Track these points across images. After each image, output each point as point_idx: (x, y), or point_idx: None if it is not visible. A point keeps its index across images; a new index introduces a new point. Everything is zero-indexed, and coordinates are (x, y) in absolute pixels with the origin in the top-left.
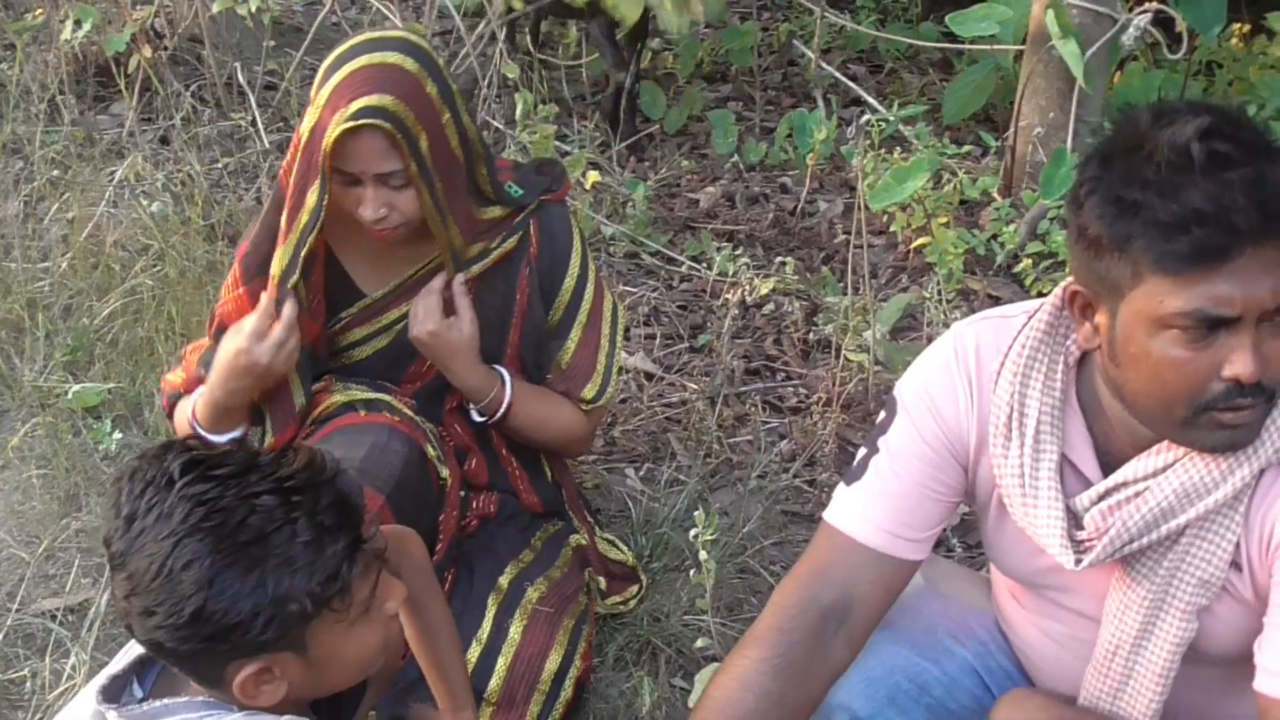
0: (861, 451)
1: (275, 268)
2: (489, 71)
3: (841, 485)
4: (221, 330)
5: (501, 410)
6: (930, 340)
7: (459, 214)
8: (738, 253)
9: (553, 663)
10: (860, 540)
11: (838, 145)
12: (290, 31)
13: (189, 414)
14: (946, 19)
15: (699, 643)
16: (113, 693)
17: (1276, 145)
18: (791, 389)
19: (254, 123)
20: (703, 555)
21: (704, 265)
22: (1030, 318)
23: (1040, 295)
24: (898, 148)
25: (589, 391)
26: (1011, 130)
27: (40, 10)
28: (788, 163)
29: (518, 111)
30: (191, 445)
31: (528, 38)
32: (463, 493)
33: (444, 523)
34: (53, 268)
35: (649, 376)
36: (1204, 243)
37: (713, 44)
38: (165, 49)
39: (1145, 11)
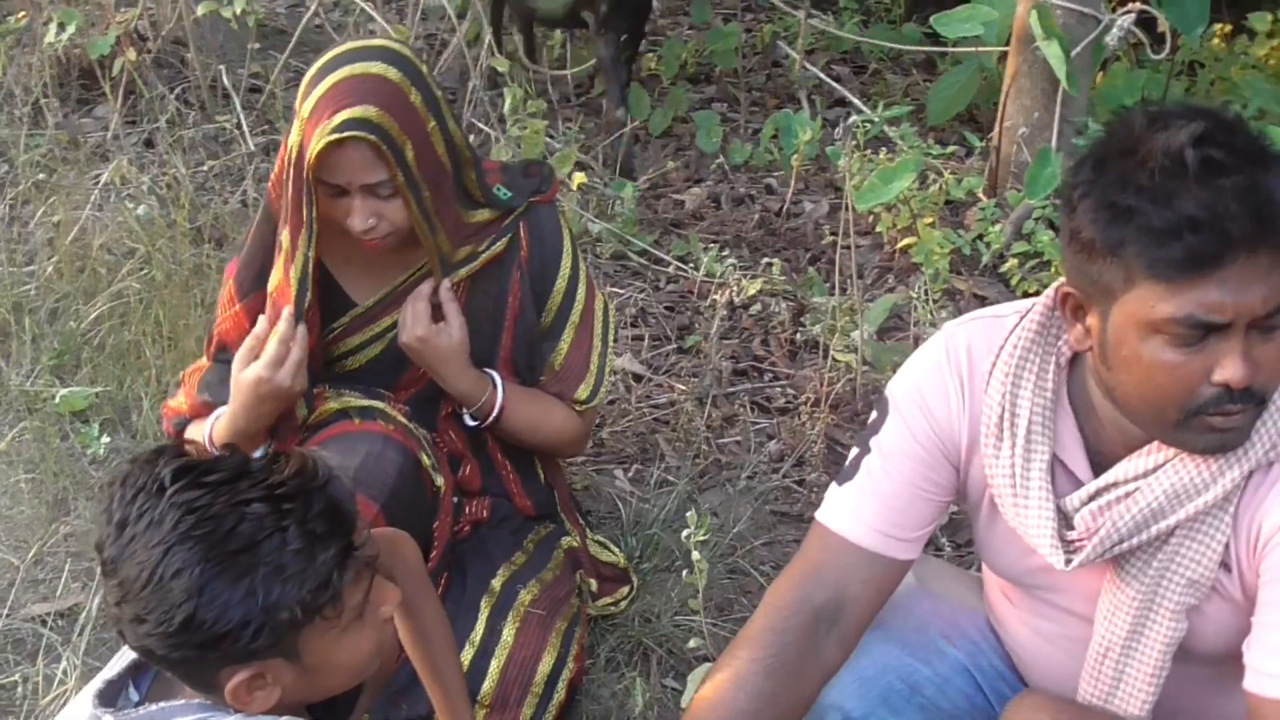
0: (853, 451)
1: (290, 292)
2: (473, 74)
3: (833, 485)
4: (222, 350)
5: (494, 414)
6: (917, 340)
7: (447, 220)
8: (724, 254)
9: (546, 665)
10: (852, 540)
11: (823, 146)
12: (274, 34)
13: (206, 440)
14: (931, 20)
15: (691, 643)
16: (109, 696)
17: (1270, 151)
18: (779, 389)
19: (239, 125)
20: (695, 556)
21: (691, 266)
22: (1022, 318)
23: (1026, 295)
24: (883, 148)
25: (582, 392)
26: (996, 130)
27: (23, 13)
28: (773, 164)
29: (506, 106)
30: (183, 450)
31: (515, 41)
32: (456, 499)
33: (438, 530)
34: (38, 271)
35: (637, 378)
36: (1197, 250)
37: (696, 45)
38: (149, 52)
39: (1129, 12)
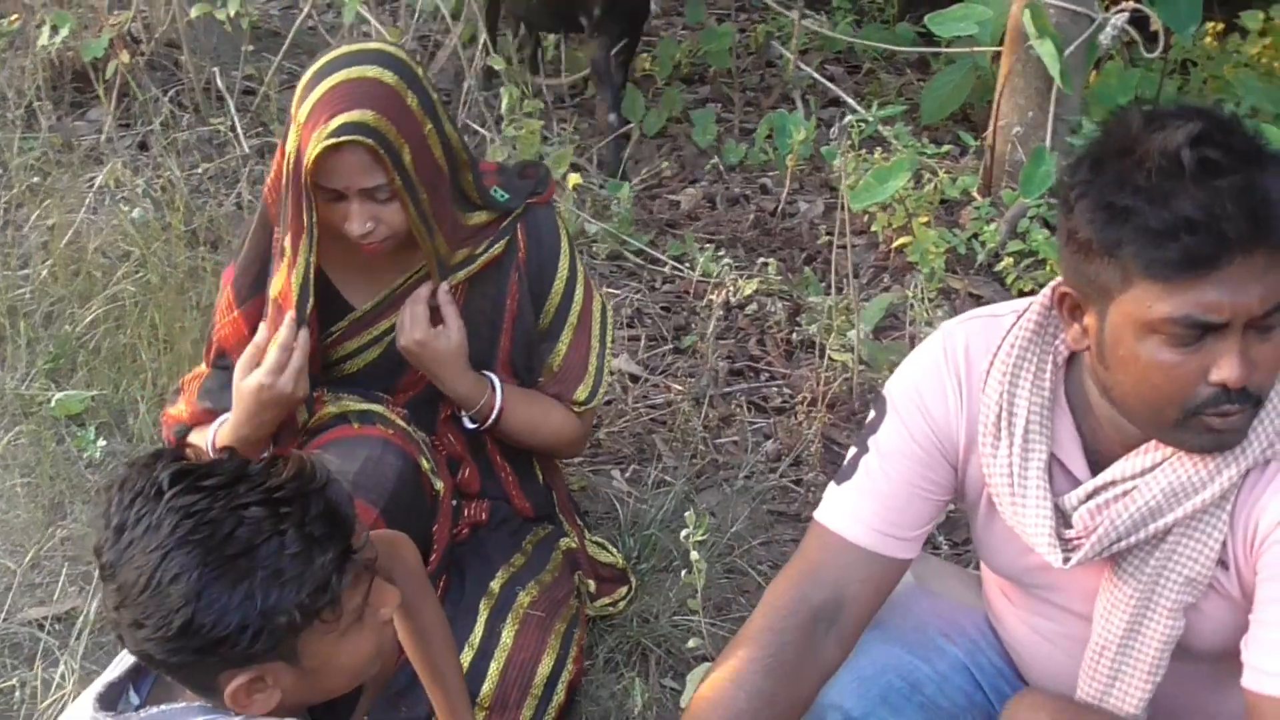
0: (852, 451)
1: (292, 298)
2: (468, 74)
3: (832, 485)
4: (221, 356)
5: (493, 416)
6: (913, 339)
7: (444, 223)
8: (720, 254)
9: (545, 667)
10: (851, 539)
11: (817, 146)
12: (267, 36)
13: (209, 448)
14: (925, 19)
15: (690, 643)
16: (109, 700)
17: (1267, 152)
18: (775, 389)
19: (233, 128)
20: (694, 555)
21: (687, 266)
22: (1019, 317)
23: (1021, 293)
24: (878, 148)
25: (581, 393)
26: (990, 129)
27: (16, 16)
28: (767, 164)
29: (503, 106)
30: (181, 454)
31: (512, 47)
32: (454, 502)
33: (437, 533)
34: (33, 275)
35: (634, 378)
36: (1194, 251)
37: (690, 46)
38: (142, 54)
39: (1122, 11)
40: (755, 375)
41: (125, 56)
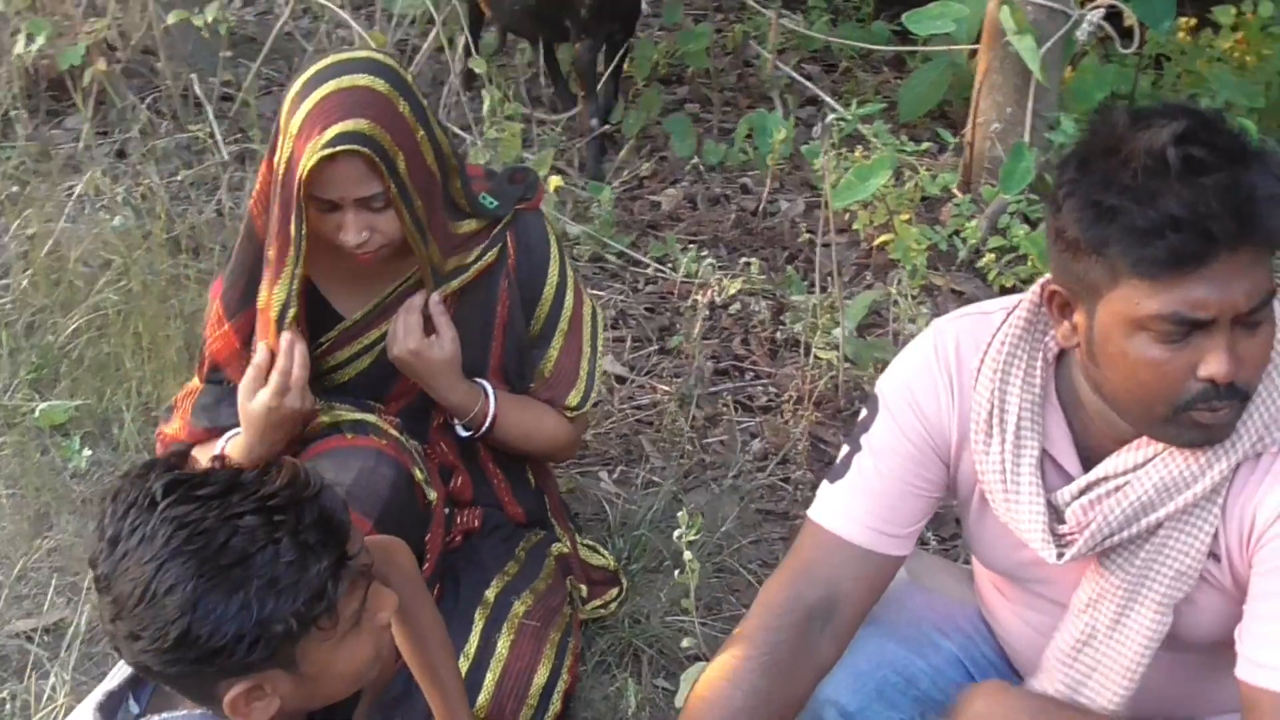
0: (844, 449)
1: (273, 309)
2: (453, 73)
3: (825, 483)
4: (214, 370)
5: (487, 424)
6: (897, 336)
7: (438, 230)
8: (702, 254)
9: (540, 677)
10: (844, 537)
11: (796, 145)
12: (244, 42)
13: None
14: (903, 18)
15: (684, 642)
16: (109, 709)
17: (1251, 149)
18: (761, 388)
19: (212, 134)
20: (687, 555)
21: (669, 267)
22: (1009, 314)
23: (1003, 289)
24: (858, 146)
25: (573, 398)
26: (969, 126)
27: None
28: (747, 163)
29: (485, 107)
30: (174, 464)
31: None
32: (447, 510)
33: (430, 542)
34: (14, 285)
35: (619, 379)
36: (1180, 249)
37: (668, 46)
38: (118, 62)
39: (1098, 7)
40: (740, 375)
41: (102, 64)
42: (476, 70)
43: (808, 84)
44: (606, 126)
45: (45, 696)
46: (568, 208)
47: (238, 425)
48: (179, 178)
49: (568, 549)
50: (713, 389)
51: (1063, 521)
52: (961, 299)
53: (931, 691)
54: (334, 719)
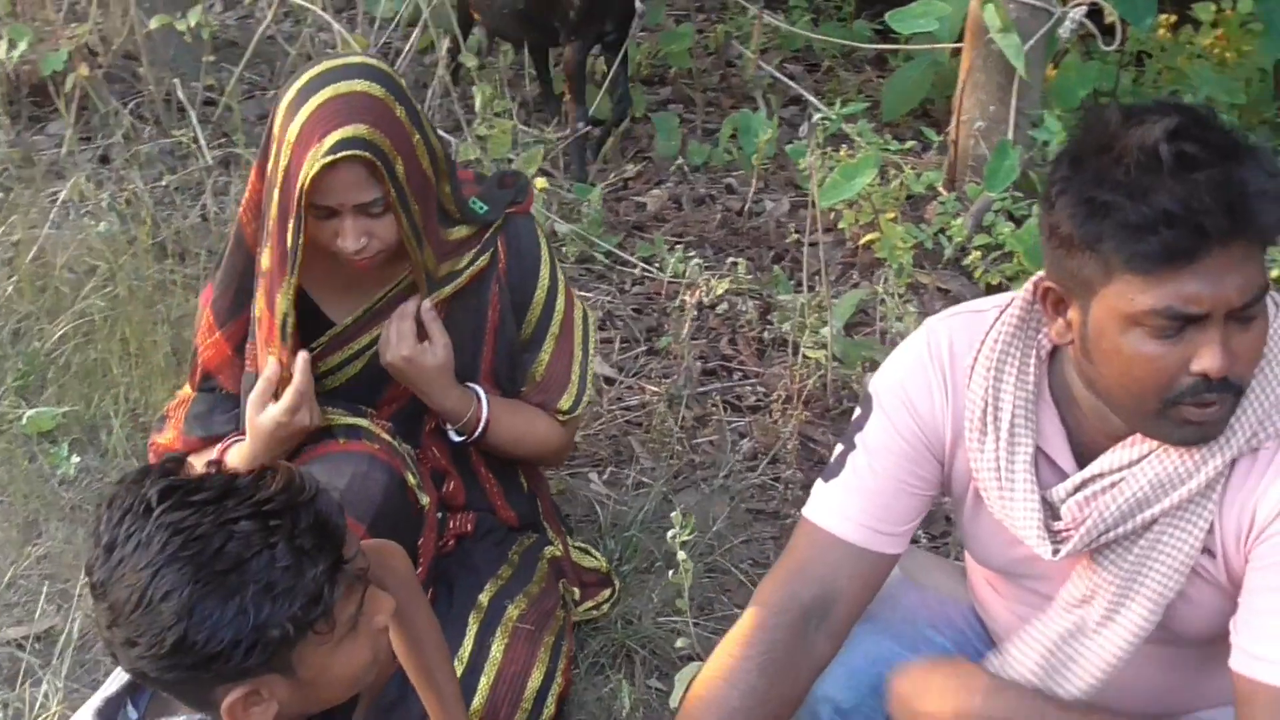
0: (839, 448)
1: (278, 318)
2: (443, 74)
3: (819, 482)
4: (207, 379)
5: (479, 429)
6: (884, 335)
7: (432, 236)
8: (689, 255)
9: (535, 681)
10: (839, 536)
11: (780, 145)
12: (225, 46)
13: None
14: (886, 16)
15: (678, 643)
16: (108, 715)
17: (1243, 145)
18: (749, 388)
19: (196, 139)
20: (681, 556)
21: (656, 267)
22: (1002, 312)
23: (989, 286)
24: (842, 145)
25: (565, 402)
26: (953, 125)
27: None
28: (731, 163)
29: (477, 104)
30: (169, 470)
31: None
32: (440, 514)
33: (423, 547)
34: None
35: (608, 380)
36: (1173, 244)
37: (650, 47)
38: (100, 67)
39: (1080, 4)
40: (728, 375)
41: (84, 70)
42: (467, 65)
43: (791, 83)
44: (588, 127)
45: (38, 704)
46: (553, 208)
47: (232, 433)
48: (163, 183)
49: (560, 552)
50: (701, 389)
51: (1058, 518)
52: (948, 297)
53: None
54: None
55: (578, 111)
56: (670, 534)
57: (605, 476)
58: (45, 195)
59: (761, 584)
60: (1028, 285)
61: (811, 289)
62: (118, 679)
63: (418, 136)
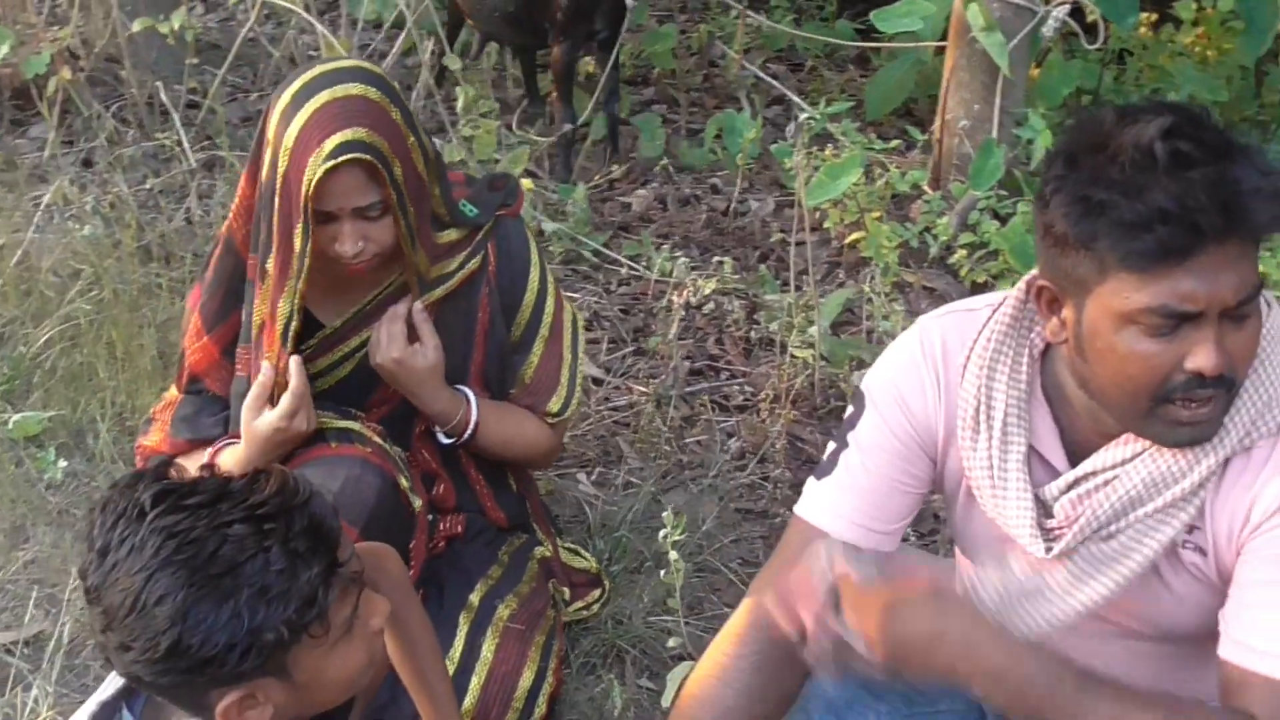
0: (831, 446)
1: (279, 323)
2: (427, 73)
3: (811, 480)
4: (194, 381)
5: (468, 431)
6: (871, 334)
7: (425, 238)
8: (675, 255)
9: (526, 680)
10: (832, 534)
11: (764, 145)
12: (207, 49)
13: None
14: (871, 15)
15: (670, 642)
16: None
17: (1237, 144)
18: (737, 387)
19: (179, 142)
20: (673, 555)
21: (643, 267)
22: (994, 311)
23: (975, 284)
24: (827, 145)
25: (554, 405)
26: (937, 124)
27: None
28: (716, 163)
29: (459, 105)
30: (163, 474)
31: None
32: (430, 516)
33: (414, 549)
34: None
35: (596, 381)
36: (1168, 242)
37: (633, 48)
38: (82, 70)
39: (1063, 3)
40: (716, 374)
41: (67, 73)
42: (451, 67)
43: (774, 83)
44: (572, 127)
45: (28, 709)
46: (539, 209)
47: (220, 436)
48: (147, 186)
49: (549, 552)
50: (689, 389)
51: (1050, 516)
52: (934, 295)
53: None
54: None
55: (564, 112)
56: (662, 534)
57: (594, 477)
58: (28, 199)
59: (754, 582)
60: (1020, 284)
61: (798, 288)
62: (112, 683)
63: (412, 139)
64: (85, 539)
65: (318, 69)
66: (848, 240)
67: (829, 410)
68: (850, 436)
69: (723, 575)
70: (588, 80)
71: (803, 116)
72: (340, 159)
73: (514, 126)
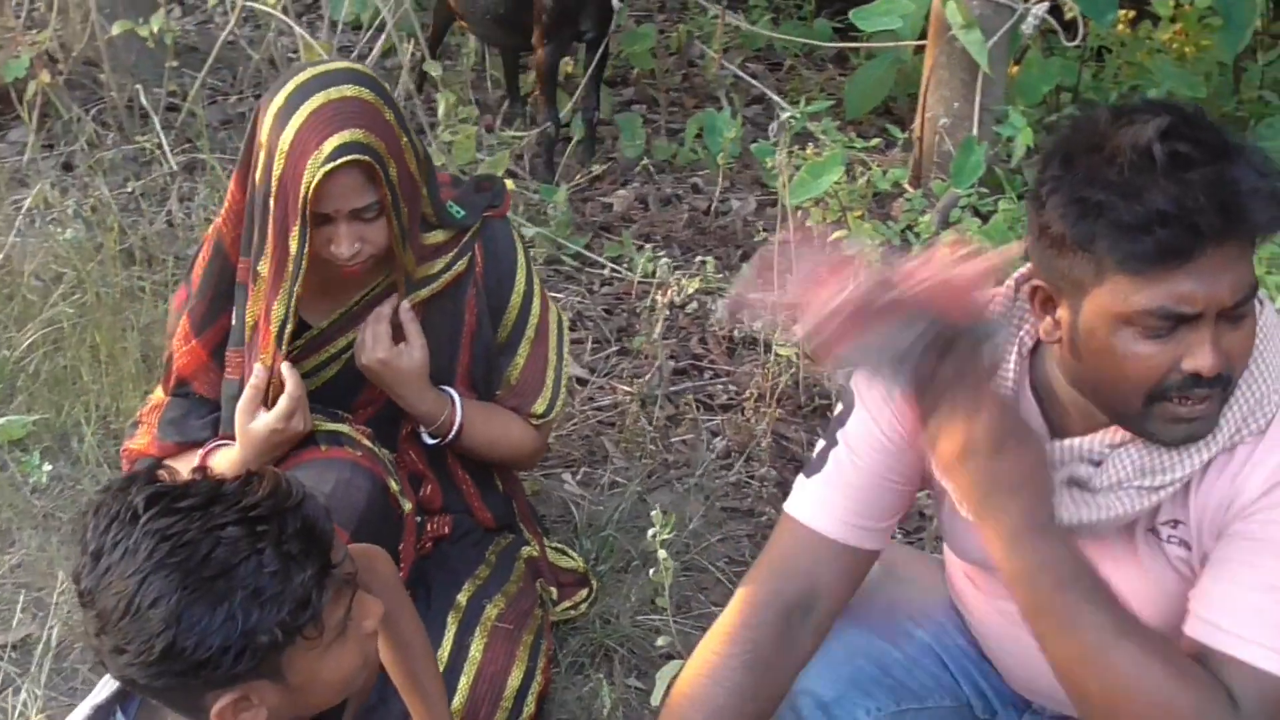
0: (820, 444)
1: (274, 325)
2: (408, 78)
3: (800, 477)
4: (181, 384)
5: (453, 432)
6: None
7: (415, 238)
8: (657, 254)
9: (514, 679)
10: (821, 532)
11: (744, 144)
12: (186, 51)
13: None
14: (850, 14)
15: (659, 641)
16: None
17: (1234, 145)
18: (720, 386)
19: (160, 145)
20: (661, 554)
21: (625, 267)
22: None
23: None
24: (808, 144)
25: (539, 406)
26: (918, 122)
27: None
28: (696, 163)
29: (440, 111)
30: (155, 477)
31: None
32: (418, 517)
33: (403, 551)
34: None
35: (580, 381)
36: (1167, 244)
37: (612, 48)
38: (61, 73)
39: (1042, 1)
40: (700, 374)
41: (45, 76)
42: (432, 74)
43: (754, 83)
44: (551, 127)
45: (17, 712)
46: (520, 210)
47: (208, 438)
48: (128, 189)
49: (536, 552)
50: (674, 389)
51: None
52: None
53: (905, 679)
54: None
55: (548, 112)
56: (651, 533)
57: (579, 477)
58: (9, 203)
59: (744, 580)
60: (1008, 282)
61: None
62: (106, 687)
63: (405, 139)
64: (77, 542)
65: (309, 71)
66: (831, 239)
67: (814, 408)
68: (840, 434)
69: (710, 574)
70: (567, 81)
71: (784, 115)
72: (340, 160)
73: (495, 126)
